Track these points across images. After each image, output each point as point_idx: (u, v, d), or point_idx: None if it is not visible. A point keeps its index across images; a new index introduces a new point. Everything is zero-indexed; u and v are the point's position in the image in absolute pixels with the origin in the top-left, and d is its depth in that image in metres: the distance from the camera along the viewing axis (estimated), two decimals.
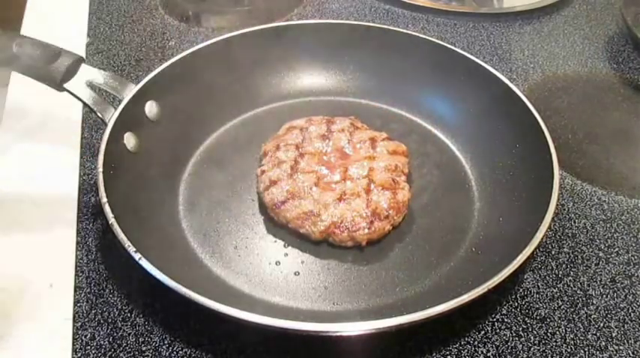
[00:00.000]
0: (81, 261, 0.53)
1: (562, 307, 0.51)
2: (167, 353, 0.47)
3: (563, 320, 0.50)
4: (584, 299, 0.52)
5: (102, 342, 0.48)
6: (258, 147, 0.62)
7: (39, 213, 0.58)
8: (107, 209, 0.47)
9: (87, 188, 0.59)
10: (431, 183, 0.59)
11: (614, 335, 0.49)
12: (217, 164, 0.61)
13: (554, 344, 0.49)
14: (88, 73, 0.55)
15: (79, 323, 0.49)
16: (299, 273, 0.52)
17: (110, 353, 0.47)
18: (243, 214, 0.57)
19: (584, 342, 0.49)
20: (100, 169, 0.50)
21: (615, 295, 0.52)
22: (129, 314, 0.50)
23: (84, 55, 0.63)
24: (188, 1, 0.90)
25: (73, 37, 0.79)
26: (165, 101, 0.60)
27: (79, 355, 0.47)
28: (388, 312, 0.43)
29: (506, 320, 0.50)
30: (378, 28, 0.68)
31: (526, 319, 0.50)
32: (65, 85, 0.55)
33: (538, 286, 0.53)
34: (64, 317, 0.49)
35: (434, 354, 0.48)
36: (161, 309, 0.50)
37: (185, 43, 0.78)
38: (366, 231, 0.53)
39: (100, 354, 0.47)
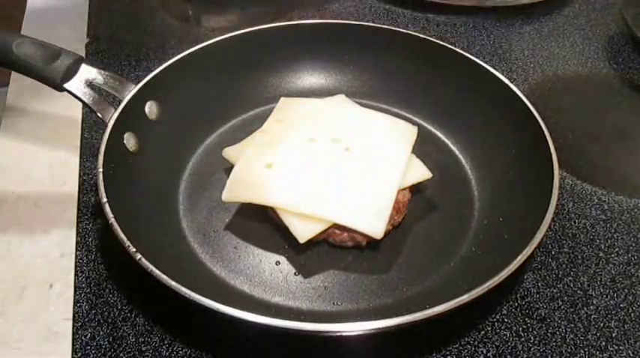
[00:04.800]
0: (81, 260, 0.53)
1: (562, 307, 0.51)
2: (167, 353, 0.47)
3: (563, 320, 0.50)
4: (584, 299, 0.52)
5: (102, 342, 0.48)
6: None
7: (39, 213, 0.58)
8: (107, 209, 0.47)
9: (87, 188, 0.60)
10: (431, 183, 0.59)
11: (614, 335, 0.50)
12: (217, 164, 0.61)
13: (554, 344, 0.49)
14: (88, 73, 0.55)
15: (79, 323, 0.49)
16: (299, 273, 0.52)
17: (110, 353, 0.47)
18: (243, 214, 0.57)
19: (584, 342, 0.49)
20: (100, 169, 0.50)
21: (615, 295, 0.52)
22: (129, 314, 0.50)
23: (84, 55, 0.63)
24: (188, 1, 0.90)
25: (73, 37, 0.79)
26: (166, 101, 0.60)
27: (79, 355, 0.47)
28: (388, 312, 0.42)
29: (506, 320, 0.50)
30: (378, 27, 0.68)
31: (526, 319, 0.50)
32: (65, 85, 0.54)
33: (538, 286, 0.53)
34: (64, 317, 0.49)
35: (434, 354, 0.48)
36: (161, 309, 0.50)
37: (185, 43, 0.78)
38: None
39: (100, 354, 0.47)
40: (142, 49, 0.78)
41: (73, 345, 0.47)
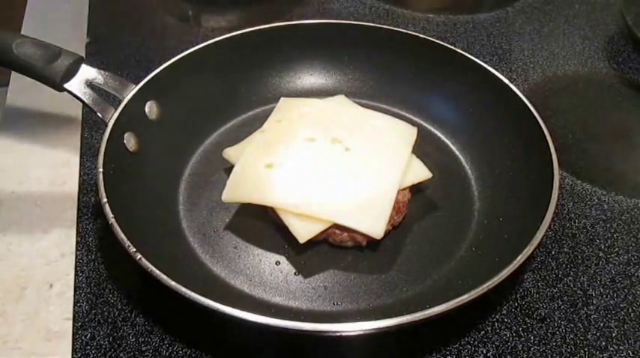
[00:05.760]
0: (81, 260, 0.53)
1: (562, 307, 0.51)
2: (167, 353, 0.47)
3: (563, 320, 0.50)
4: (584, 299, 0.52)
5: (102, 342, 0.48)
6: None
7: (39, 213, 0.58)
8: (107, 209, 0.47)
9: (87, 188, 0.59)
10: (431, 183, 0.59)
11: (614, 335, 0.50)
12: (217, 164, 0.61)
13: (554, 344, 0.49)
14: (88, 73, 0.55)
15: (79, 323, 0.49)
16: (299, 273, 0.52)
17: (110, 353, 0.47)
18: (243, 214, 0.57)
19: (584, 342, 0.49)
20: (100, 169, 0.50)
21: (615, 295, 0.52)
22: (129, 314, 0.50)
23: (84, 55, 0.63)
24: (188, 1, 0.90)
25: (73, 37, 0.79)
26: (166, 101, 0.60)
27: (79, 355, 0.47)
28: (388, 312, 0.42)
29: (506, 320, 0.50)
30: (378, 27, 0.68)
31: (526, 319, 0.50)
32: (65, 85, 0.55)
33: (538, 286, 0.53)
34: (64, 317, 0.49)
35: (434, 354, 0.48)
36: (161, 309, 0.50)
37: (185, 43, 0.78)
38: None
39: (100, 354, 0.47)
40: (142, 49, 0.78)
41: (73, 345, 0.47)
